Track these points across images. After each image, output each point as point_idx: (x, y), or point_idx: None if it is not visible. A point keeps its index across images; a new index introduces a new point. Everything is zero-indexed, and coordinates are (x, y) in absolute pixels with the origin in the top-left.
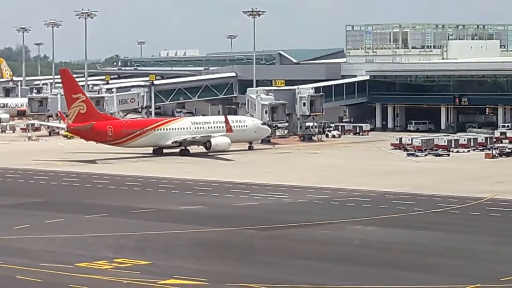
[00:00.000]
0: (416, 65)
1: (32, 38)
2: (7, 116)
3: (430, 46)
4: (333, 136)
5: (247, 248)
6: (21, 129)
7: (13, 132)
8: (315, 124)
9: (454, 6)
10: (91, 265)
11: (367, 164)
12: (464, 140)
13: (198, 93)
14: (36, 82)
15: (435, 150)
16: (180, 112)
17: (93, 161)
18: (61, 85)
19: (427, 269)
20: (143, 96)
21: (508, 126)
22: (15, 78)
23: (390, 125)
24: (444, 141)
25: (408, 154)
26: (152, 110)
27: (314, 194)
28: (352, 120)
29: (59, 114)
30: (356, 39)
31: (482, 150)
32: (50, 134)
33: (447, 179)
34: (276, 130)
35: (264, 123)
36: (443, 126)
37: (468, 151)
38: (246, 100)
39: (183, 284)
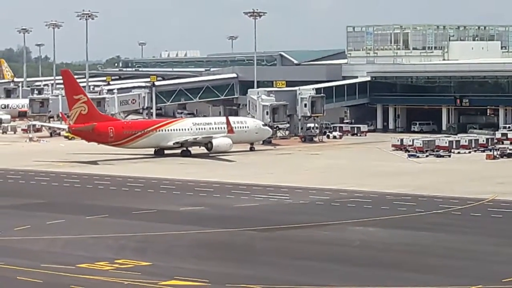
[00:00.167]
0: (417, 66)
1: (33, 39)
2: (8, 117)
3: (431, 47)
4: (334, 137)
5: (248, 249)
6: (22, 130)
7: (14, 133)
8: (316, 125)
9: (455, 7)
10: (92, 266)
11: (368, 165)
12: (465, 141)
13: (199, 94)
14: (37, 83)
15: (436, 151)
16: (181, 113)
17: (94, 162)
18: (62, 86)
19: (428, 270)
20: (144, 97)
21: (509, 127)
22: (16, 79)
23: (391, 126)
24: (445, 142)
25: (409, 155)
26: (153, 111)
27: (315, 195)
28: (353, 121)
29: (60, 115)
30: (357, 40)
31: (483, 151)
32: (51, 135)
33: (448, 180)
34: (277, 131)
35: (265, 124)
36: (444, 127)
37: (469, 152)
38: (247, 101)
39: (184, 285)
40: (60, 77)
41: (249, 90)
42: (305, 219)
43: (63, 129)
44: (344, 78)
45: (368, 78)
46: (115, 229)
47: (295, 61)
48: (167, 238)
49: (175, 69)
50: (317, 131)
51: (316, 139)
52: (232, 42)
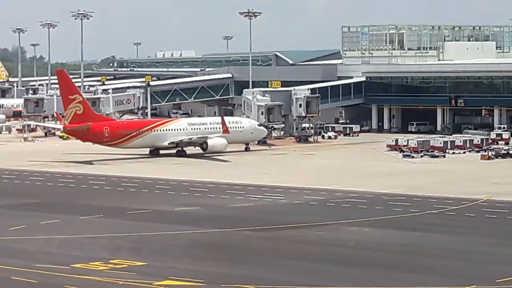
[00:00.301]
0: (412, 66)
1: (28, 39)
2: (3, 117)
3: (426, 47)
4: (329, 137)
5: (243, 249)
6: (17, 130)
7: (9, 133)
8: (311, 125)
9: (450, 7)
10: (87, 266)
11: (363, 166)
12: (460, 141)
13: (194, 94)
14: (32, 83)
15: (431, 151)
16: (176, 113)
17: (89, 162)
18: (57, 86)
19: (423, 270)
20: (139, 97)
21: (504, 128)
22: (11, 79)
23: (386, 126)
24: (440, 143)
25: (404, 156)
26: (148, 111)
27: (310, 195)
28: (348, 121)
29: (55, 115)
30: (352, 40)
31: (478, 151)
32: (46, 135)
33: (443, 180)
34: (272, 131)
35: (260, 124)
36: (439, 128)
37: (464, 152)
38: (242, 101)
39: (179, 285)
40: (55, 77)
41: (244, 90)
42: (300, 219)
43: (58, 129)
44: (339, 78)
45: (363, 79)
46: (110, 229)
47: (290, 61)
48: (162, 238)
49: (170, 69)
50: (312, 131)
51: (311, 139)
52: (227, 42)
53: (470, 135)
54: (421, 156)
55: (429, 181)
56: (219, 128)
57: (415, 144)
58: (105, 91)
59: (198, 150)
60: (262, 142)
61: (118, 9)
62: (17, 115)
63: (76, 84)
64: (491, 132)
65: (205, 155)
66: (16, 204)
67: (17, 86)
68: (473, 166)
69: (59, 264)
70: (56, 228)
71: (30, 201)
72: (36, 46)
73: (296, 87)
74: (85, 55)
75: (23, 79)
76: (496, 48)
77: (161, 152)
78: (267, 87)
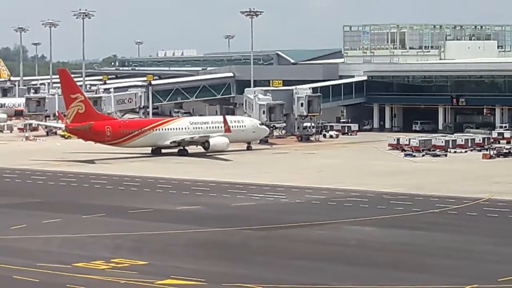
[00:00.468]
0: (414, 65)
1: (29, 38)
2: (5, 116)
3: (428, 46)
4: (331, 136)
5: (244, 249)
6: (18, 129)
7: (11, 132)
8: (313, 124)
9: (451, 6)
10: (89, 265)
11: (365, 165)
12: (462, 140)
13: (196, 93)
14: (33, 82)
15: (433, 150)
16: (178, 112)
17: (91, 161)
18: (58, 85)
19: (424, 270)
20: (140, 96)
21: (505, 127)
22: (12, 78)
23: (387, 125)
24: (442, 142)
25: (406, 155)
26: (150, 110)
27: (312, 194)
28: (349, 120)
29: (57, 114)
30: (354, 40)
31: (480, 150)
32: (47, 134)
33: (445, 179)
34: (274, 131)
35: (262, 123)
36: (440, 127)
37: (466, 151)
38: (243, 100)
39: (180, 284)
40: (57, 76)
41: (245, 89)
42: (301, 218)
43: (60, 128)
44: (341, 77)
45: (365, 78)
46: (111, 228)
47: (292, 61)
48: (164, 237)
49: (171, 68)
50: (314, 130)
51: (312, 138)
52: (229, 41)
53: (471, 134)
54: (423, 155)
55: (431, 180)
56: (221, 127)
57: (417, 143)
58: (106, 90)
59: (200, 149)
60: (264, 141)
61: (120, 8)
62: (18, 114)
63: (78, 83)
64: (493, 131)
65: (207, 154)
66: (18, 203)
67: (18, 85)
68: (475, 165)
69: (60, 263)
70: (58, 227)
71: (32, 200)
72: (38, 45)
73: (298, 86)
74: (87, 54)
75: (24, 78)
76: (498, 47)
77: (163, 151)
78: (269, 86)
